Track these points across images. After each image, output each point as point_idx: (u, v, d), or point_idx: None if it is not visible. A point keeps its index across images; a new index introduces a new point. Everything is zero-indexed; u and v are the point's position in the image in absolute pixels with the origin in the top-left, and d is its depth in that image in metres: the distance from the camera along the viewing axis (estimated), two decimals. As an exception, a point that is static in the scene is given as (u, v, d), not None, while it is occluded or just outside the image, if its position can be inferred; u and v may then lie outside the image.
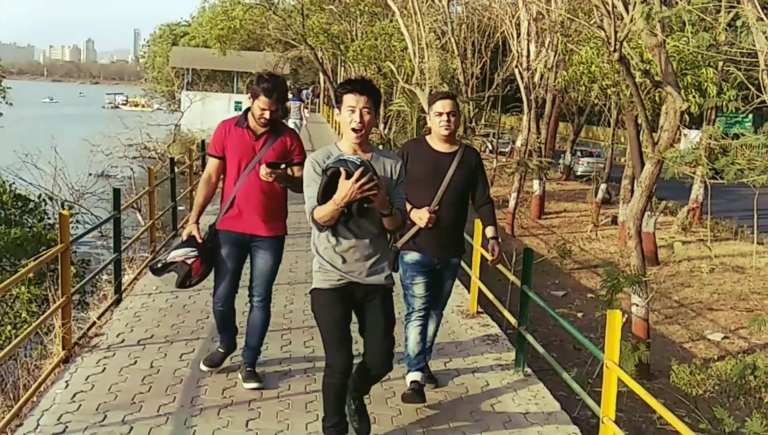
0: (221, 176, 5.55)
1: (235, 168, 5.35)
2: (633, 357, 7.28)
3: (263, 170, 5.11)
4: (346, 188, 3.92)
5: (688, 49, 9.52)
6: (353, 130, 4.21)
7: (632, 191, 15.02)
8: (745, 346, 11.85)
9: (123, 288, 8.21)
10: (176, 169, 12.59)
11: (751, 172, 5.36)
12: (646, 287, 9.62)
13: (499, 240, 5.67)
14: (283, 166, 5.19)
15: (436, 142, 5.45)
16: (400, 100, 29.59)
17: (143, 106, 69.14)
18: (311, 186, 4.17)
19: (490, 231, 5.68)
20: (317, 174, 4.15)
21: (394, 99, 30.98)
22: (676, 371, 9.11)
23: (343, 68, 35.21)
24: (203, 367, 5.85)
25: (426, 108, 5.59)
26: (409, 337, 5.52)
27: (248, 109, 5.35)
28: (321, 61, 35.49)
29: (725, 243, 18.68)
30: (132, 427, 4.94)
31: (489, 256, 5.74)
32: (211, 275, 5.59)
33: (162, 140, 37.19)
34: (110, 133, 30.18)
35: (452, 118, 5.35)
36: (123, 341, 6.59)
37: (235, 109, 41.21)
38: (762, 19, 6.64)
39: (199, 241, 5.38)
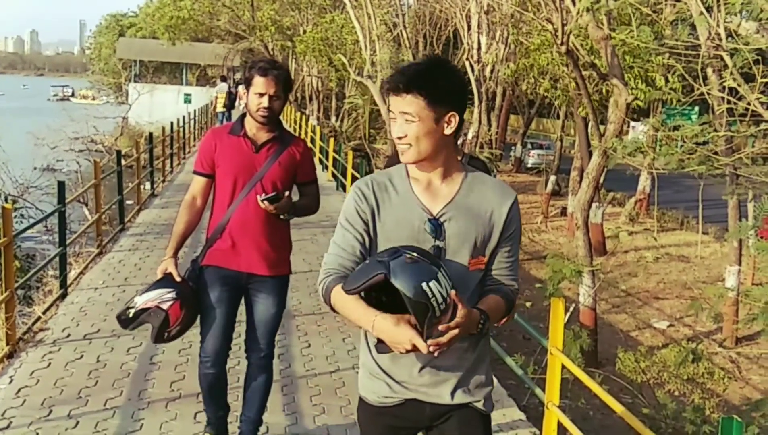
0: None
1: (228, 187, 4.14)
2: (576, 344, 7.42)
3: (260, 202, 4.02)
4: (399, 338, 2.34)
5: (634, 43, 9.70)
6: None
7: (581, 183, 15.26)
8: (690, 334, 12.13)
9: (69, 283, 8.11)
10: (123, 163, 12.44)
11: (690, 161, 5.50)
12: (594, 277, 9.79)
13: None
14: (286, 193, 4.11)
15: None
16: (354, 94, 29.59)
17: (93, 98, 68.07)
18: (345, 232, 2.58)
19: None
20: (360, 217, 2.56)
21: (346, 92, 30.97)
22: (622, 359, 9.32)
23: (294, 60, 35.03)
24: None
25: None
26: None
27: (244, 116, 4.18)
28: (272, 53, 35.26)
29: (671, 233, 19.09)
30: (78, 422, 4.87)
31: None
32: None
33: (109, 133, 36.69)
34: (56, 126, 29.67)
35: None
36: (69, 336, 6.50)
37: (185, 102, 40.82)
38: (703, 14, 6.79)
39: (178, 278, 4.11)
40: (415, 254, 2.34)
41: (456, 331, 2.32)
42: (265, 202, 3.98)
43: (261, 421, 4.47)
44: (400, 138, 2.50)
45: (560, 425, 4.69)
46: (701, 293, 12.81)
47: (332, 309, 2.52)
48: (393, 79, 2.50)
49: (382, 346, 2.43)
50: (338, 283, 2.47)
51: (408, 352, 2.34)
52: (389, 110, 2.56)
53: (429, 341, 2.30)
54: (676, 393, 9.14)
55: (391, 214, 2.55)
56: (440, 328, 2.31)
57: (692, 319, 12.45)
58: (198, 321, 4.25)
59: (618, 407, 4.12)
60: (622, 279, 14.95)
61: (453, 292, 2.34)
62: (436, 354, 2.33)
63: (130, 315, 4.05)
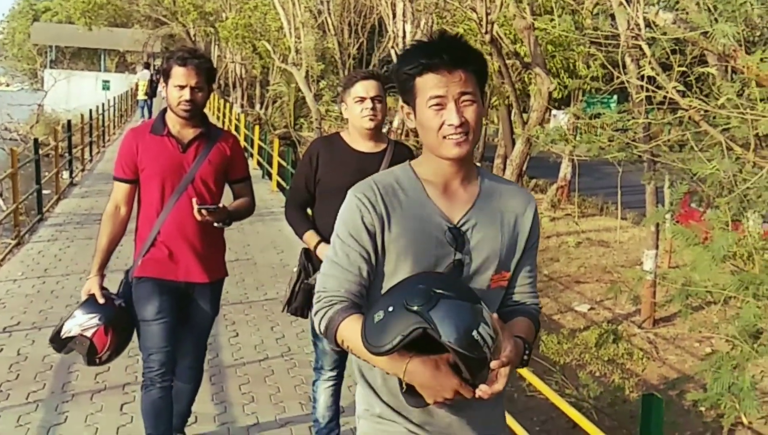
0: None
1: (156, 192, 3.82)
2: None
3: (197, 211, 3.72)
4: (441, 386, 1.91)
5: (556, 32, 9.93)
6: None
7: (504, 170, 15.50)
8: (610, 316, 12.47)
9: (-15, 274, 7.86)
10: (40, 151, 12.09)
11: (610, 148, 5.65)
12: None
13: None
14: (221, 205, 3.84)
15: (357, 140, 3.94)
16: (279, 81, 29.35)
17: (6, 85, 65.83)
18: (349, 249, 2.08)
19: None
20: (367, 230, 2.07)
21: (271, 79, 30.69)
22: (545, 341, 9.53)
23: (217, 47, 34.51)
24: None
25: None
26: (318, 398, 4.20)
27: (164, 112, 3.86)
28: (194, 39, 34.67)
29: (591, 219, 19.56)
30: (-1, 417, 4.75)
31: None
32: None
33: (24, 121, 35.50)
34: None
35: (378, 105, 3.86)
36: (-13, 329, 6.31)
37: (103, 89, 39.81)
38: (623, 4, 6.97)
39: (101, 300, 3.78)
40: (449, 293, 1.88)
41: (508, 370, 1.93)
42: (203, 211, 3.71)
43: (190, 412, 4.37)
44: (459, 125, 2.02)
45: (488, 407, 4.78)
46: (620, 277, 13.19)
47: (337, 345, 2.05)
48: (443, 53, 2.01)
49: (415, 399, 1.97)
50: (346, 314, 2.02)
51: (447, 400, 1.92)
52: (433, 97, 2.03)
53: (482, 389, 1.90)
54: (598, 374, 9.39)
55: (404, 224, 2.07)
56: (493, 364, 1.89)
57: (612, 302, 12.81)
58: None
59: (543, 388, 4.23)
60: (545, 264, 15.26)
61: (495, 316, 1.94)
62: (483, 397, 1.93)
63: (61, 338, 3.76)
